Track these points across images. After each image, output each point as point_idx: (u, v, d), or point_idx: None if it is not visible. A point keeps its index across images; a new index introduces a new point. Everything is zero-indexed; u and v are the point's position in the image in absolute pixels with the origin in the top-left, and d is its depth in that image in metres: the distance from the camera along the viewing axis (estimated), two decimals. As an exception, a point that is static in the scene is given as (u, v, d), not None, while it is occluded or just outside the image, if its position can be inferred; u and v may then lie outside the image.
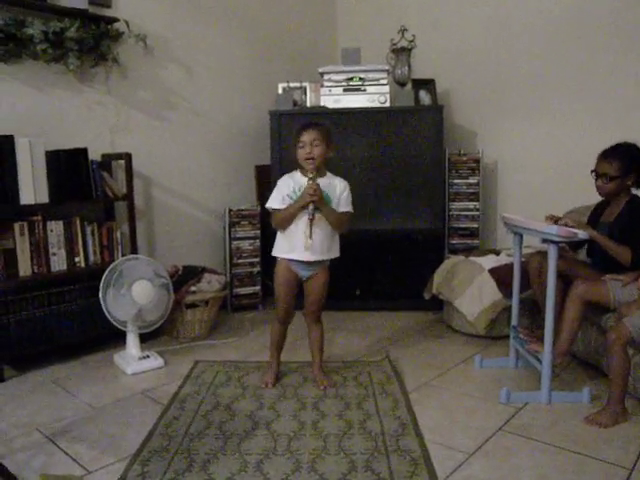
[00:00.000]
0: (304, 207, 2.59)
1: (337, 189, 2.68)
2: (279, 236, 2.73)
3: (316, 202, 2.57)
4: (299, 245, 2.64)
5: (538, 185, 4.17)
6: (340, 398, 2.69)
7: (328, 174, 2.71)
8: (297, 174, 2.69)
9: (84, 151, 3.25)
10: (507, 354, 3.10)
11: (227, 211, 4.15)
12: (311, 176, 2.58)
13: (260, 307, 4.27)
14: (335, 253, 2.75)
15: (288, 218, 2.64)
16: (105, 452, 2.24)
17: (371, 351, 3.36)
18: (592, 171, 2.84)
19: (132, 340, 3.18)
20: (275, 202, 2.67)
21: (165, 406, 2.63)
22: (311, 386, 2.83)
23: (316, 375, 2.87)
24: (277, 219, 2.68)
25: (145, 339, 3.35)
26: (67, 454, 2.23)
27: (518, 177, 4.30)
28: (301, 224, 2.62)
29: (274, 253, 2.75)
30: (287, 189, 2.65)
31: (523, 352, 2.86)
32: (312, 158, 2.60)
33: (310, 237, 2.59)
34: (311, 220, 2.58)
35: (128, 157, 3.40)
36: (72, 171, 3.19)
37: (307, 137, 2.59)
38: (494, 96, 4.33)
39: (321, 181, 2.62)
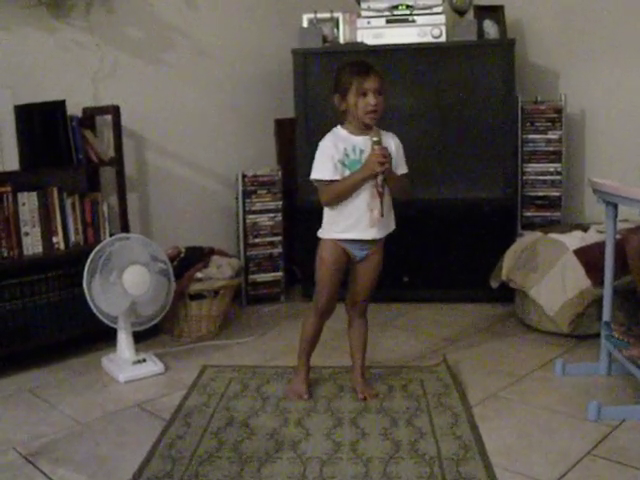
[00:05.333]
0: (370, 178, 2.60)
1: (392, 146, 2.70)
2: (330, 213, 2.71)
3: (386, 171, 2.58)
4: (362, 222, 2.65)
5: (638, 142, 4.10)
6: (385, 413, 2.70)
7: (375, 128, 2.68)
8: (342, 132, 2.68)
9: (61, 104, 3.28)
10: (597, 358, 3.08)
11: (240, 177, 4.17)
12: (376, 139, 2.58)
13: (283, 298, 4.30)
14: (393, 225, 2.81)
15: (348, 192, 2.63)
16: (95, 477, 2.29)
17: (424, 354, 3.36)
18: None
19: (124, 340, 3.23)
20: (326, 171, 2.63)
21: (167, 422, 2.67)
22: (348, 397, 2.85)
23: (356, 383, 2.89)
24: (331, 193, 2.66)
25: (140, 339, 3.40)
26: (50, 478, 2.29)
27: (612, 131, 4.23)
28: (364, 195, 2.62)
29: (323, 234, 2.75)
30: (337, 153, 2.63)
31: (618, 356, 2.83)
32: (376, 111, 2.59)
33: (382, 214, 2.61)
34: (381, 194, 2.59)
35: (116, 111, 3.43)
36: (47, 130, 3.23)
37: (373, 83, 2.56)
38: (581, 26, 4.24)
39: None
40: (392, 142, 2.71)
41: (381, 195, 2.59)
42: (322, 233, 2.75)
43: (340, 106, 2.65)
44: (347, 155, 2.62)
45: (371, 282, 2.80)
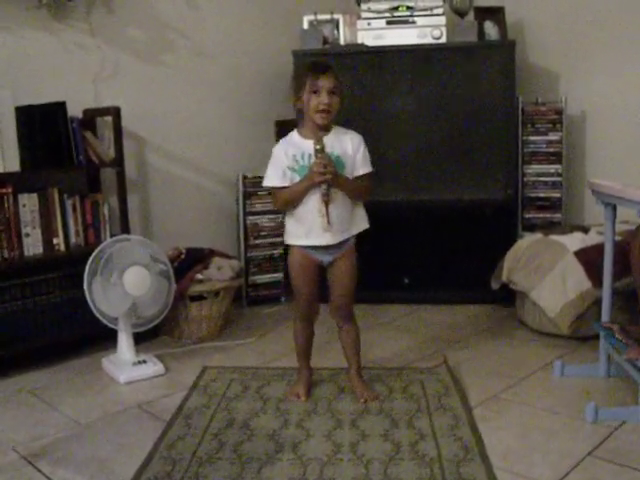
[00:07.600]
0: (314, 186, 2.58)
1: (349, 147, 2.67)
2: (289, 219, 2.73)
3: (328, 180, 2.55)
4: (315, 227, 2.64)
5: (638, 143, 4.10)
6: (385, 414, 2.71)
7: (335, 128, 2.68)
8: (295, 137, 2.69)
9: (62, 106, 3.29)
10: (597, 359, 3.08)
11: (241, 178, 4.17)
12: (318, 147, 2.54)
13: (283, 299, 4.31)
14: (362, 225, 2.76)
15: (295, 199, 2.64)
16: (95, 478, 2.30)
17: (424, 355, 3.37)
18: None
19: (125, 341, 3.24)
20: (275, 179, 2.66)
21: (167, 423, 2.67)
22: (348, 399, 2.85)
23: (354, 385, 2.89)
24: (280, 200, 2.69)
25: (141, 340, 3.41)
26: (50, 479, 2.31)
27: (612, 133, 4.23)
28: (313, 201, 2.61)
29: (287, 241, 2.77)
30: (287, 160, 2.64)
31: (616, 357, 2.83)
32: (328, 111, 2.57)
33: (328, 221, 2.60)
34: (326, 202, 2.58)
35: (116, 112, 3.43)
36: (47, 131, 3.24)
37: (326, 82, 2.55)
38: (582, 27, 4.24)
39: (327, 139, 2.59)
40: (349, 143, 2.67)
41: (327, 203, 2.57)
42: (287, 239, 2.77)
43: (295, 105, 2.65)
44: (296, 161, 2.62)
45: (345, 287, 2.77)
